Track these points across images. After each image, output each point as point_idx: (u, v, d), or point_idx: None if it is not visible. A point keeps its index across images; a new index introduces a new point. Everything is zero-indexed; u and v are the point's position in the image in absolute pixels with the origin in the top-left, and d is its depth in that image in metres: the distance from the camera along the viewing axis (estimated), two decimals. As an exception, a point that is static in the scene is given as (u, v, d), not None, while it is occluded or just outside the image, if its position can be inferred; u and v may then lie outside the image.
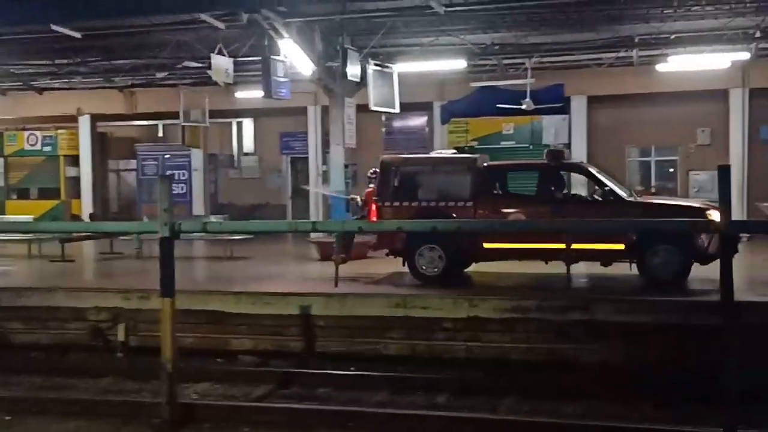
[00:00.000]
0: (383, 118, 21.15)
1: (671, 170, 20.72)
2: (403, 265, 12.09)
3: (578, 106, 20.18)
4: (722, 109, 19.26)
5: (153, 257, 6.86)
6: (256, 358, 10.19)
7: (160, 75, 20.67)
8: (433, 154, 14.47)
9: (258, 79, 16.36)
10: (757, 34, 15.47)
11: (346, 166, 16.40)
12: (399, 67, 17.05)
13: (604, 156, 20.11)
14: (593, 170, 12.16)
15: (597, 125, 20.30)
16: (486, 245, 11.39)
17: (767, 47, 16.47)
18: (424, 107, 21.32)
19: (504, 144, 20.46)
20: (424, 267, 11.78)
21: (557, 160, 12.18)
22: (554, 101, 19.42)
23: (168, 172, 21.86)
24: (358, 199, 14.70)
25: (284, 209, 23.78)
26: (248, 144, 25.32)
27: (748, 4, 14.15)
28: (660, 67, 17.45)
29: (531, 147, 20.34)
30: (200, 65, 18.23)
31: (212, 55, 15.81)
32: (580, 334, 9.53)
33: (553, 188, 11.96)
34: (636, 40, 16.49)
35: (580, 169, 12.75)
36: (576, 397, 8.04)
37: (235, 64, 16.17)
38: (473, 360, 9.63)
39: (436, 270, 11.73)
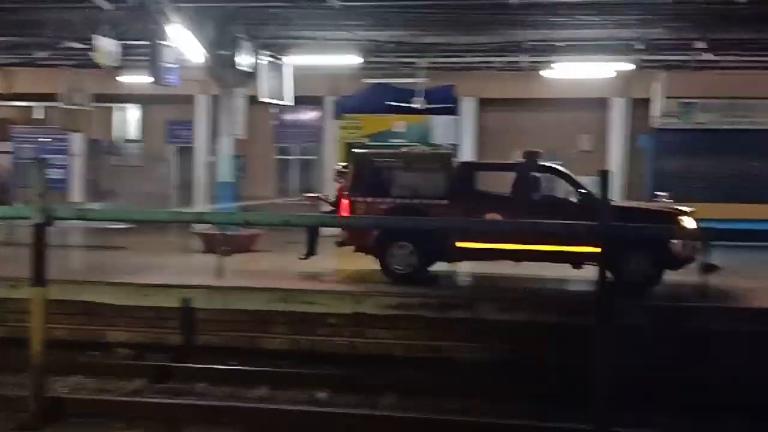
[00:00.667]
0: (275, 110, 20.90)
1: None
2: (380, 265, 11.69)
3: (469, 107, 20.48)
4: (603, 117, 19.94)
5: (26, 244, 6.53)
6: (132, 351, 9.86)
7: (41, 55, 19.74)
8: (408, 149, 14.01)
9: (146, 64, 15.84)
10: (640, 46, 16.06)
11: (235, 157, 16.09)
12: (292, 60, 16.84)
13: (492, 158, 20.49)
14: (569, 173, 12.05)
15: (486, 127, 20.65)
16: (459, 244, 11.25)
17: (648, 59, 17.10)
18: (317, 101, 21.17)
19: (394, 142, 20.58)
20: (395, 265, 11.56)
21: (533, 161, 12.04)
22: (445, 101, 19.62)
23: (45, 156, 20.90)
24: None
25: (169, 199, 23.15)
26: (133, 131, 24.52)
27: (632, 17, 14.66)
28: (545, 74, 17.89)
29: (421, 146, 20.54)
30: (84, 46, 17.46)
31: (96, 36, 15.18)
32: (463, 331, 9.66)
33: (528, 189, 11.73)
34: (526, 45, 16.85)
35: (556, 171, 12.28)
36: (456, 393, 8.13)
37: (122, 47, 15.59)
38: (356, 356, 9.61)
39: (408, 268, 11.53)
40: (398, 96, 19.42)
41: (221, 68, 15.56)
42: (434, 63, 18.31)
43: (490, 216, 10.88)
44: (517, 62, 17.91)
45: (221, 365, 9.07)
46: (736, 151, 19.05)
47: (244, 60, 15.27)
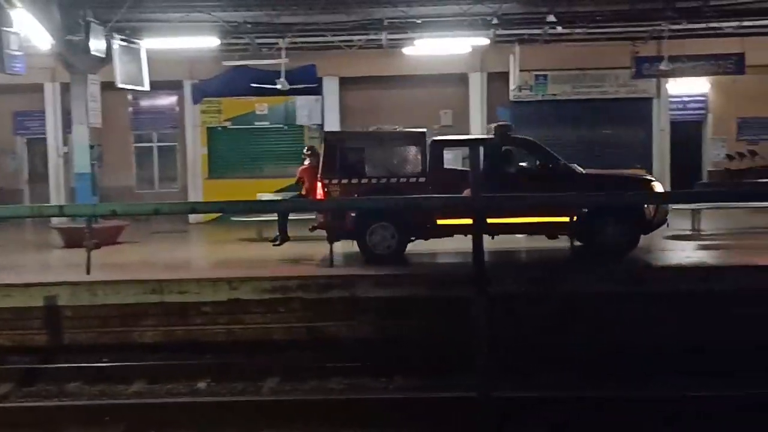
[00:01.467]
0: (130, 96, 20.16)
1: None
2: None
3: (331, 87, 20.43)
4: (463, 92, 20.37)
5: None
6: (-7, 355, 9.31)
7: None
8: (379, 129, 13.82)
9: (-12, 52, 14.89)
10: (494, 21, 16.45)
11: (91, 147, 15.40)
12: (147, 43, 16.26)
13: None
14: (542, 145, 12.18)
15: (349, 106, 20.69)
16: (440, 221, 11.27)
17: (503, 34, 17.55)
18: (175, 86, 20.56)
19: (258, 124, 20.31)
20: (374, 246, 11.53)
21: (505, 135, 12.13)
22: (308, 82, 19.52)
23: None
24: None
25: (21, 194, 21.98)
26: (-24, 123, 23.08)
27: (486, -8, 15.01)
28: (406, 51, 18.08)
29: (286, 127, 20.38)
30: None
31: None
32: (341, 310, 9.66)
33: (503, 163, 11.84)
34: (385, 23, 16.94)
35: (528, 143, 12.32)
36: (338, 373, 8.13)
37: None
38: (235, 343, 9.45)
39: (388, 248, 11.52)
40: (260, 78, 19.14)
41: (71, 54, 14.84)
42: (294, 43, 18.14)
43: (466, 192, 10.84)
44: (377, 40, 17.97)
45: (93, 363, 8.70)
46: (587, 121, 19.94)
47: (96, 45, 14.62)
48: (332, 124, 20.00)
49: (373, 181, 11.73)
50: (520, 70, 19.01)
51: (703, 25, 16.74)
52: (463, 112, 20.38)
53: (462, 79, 20.18)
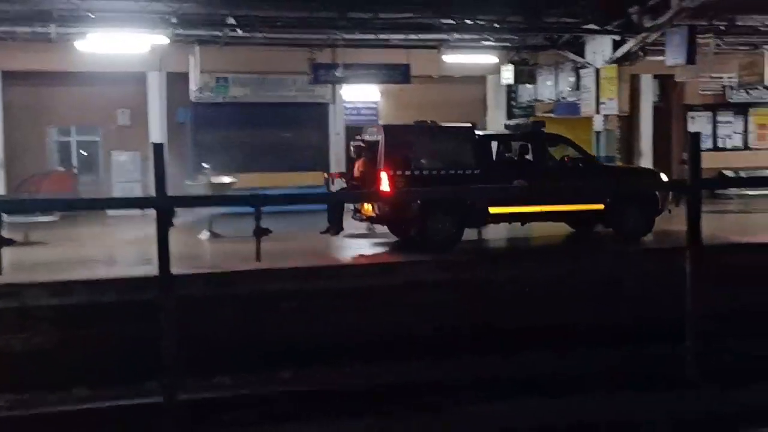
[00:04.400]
0: None
1: (90, 151, 20.41)
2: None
3: (-8, 81, 18.76)
4: (141, 91, 19.73)
5: None
6: None
7: None
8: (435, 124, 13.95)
9: None
10: (174, 20, 16.11)
11: None
12: None
13: (22, 136, 19.08)
14: (572, 140, 13.67)
15: (13, 103, 19.12)
16: (492, 210, 12.29)
17: (183, 34, 17.23)
18: None
19: None
20: (434, 234, 12.15)
21: (540, 131, 13.75)
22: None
23: None
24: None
25: None
26: None
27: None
28: (79, 46, 17.05)
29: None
30: None
31: None
32: (9, 322, 8.90)
33: (541, 156, 13.21)
34: (55, 15, 15.87)
35: (561, 138, 13.96)
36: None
37: None
38: None
39: (446, 237, 12.20)
40: None
41: None
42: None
43: (517, 182, 12.05)
44: (46, 33, 16.76)
45: None
46: (268, 124, 20.32)
47: None
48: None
49: (433, 172, 12.47)
50: (201, 71, 18.84)
51: (373, 36, 17.83)
52: (141, 112, 19.74)
53: (140, 78, 19.54)
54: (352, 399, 6.92)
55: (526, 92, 21.07)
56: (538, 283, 10.31)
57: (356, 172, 13.70)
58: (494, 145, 13.61)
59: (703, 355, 7.91)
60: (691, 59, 15.08)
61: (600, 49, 17.24)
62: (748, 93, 21.92)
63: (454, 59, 19.17)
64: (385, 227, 13.62)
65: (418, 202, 11.84)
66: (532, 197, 12.07)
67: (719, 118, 22.40)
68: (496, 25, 17.24)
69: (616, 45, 16.84)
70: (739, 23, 17.54)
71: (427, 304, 9.67)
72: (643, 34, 16.08)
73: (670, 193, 13.32)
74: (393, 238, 13.84)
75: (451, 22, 16.92)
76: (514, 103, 21.46)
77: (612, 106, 16.88)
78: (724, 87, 21.96)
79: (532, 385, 7.67)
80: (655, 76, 21.25)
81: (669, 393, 7.49)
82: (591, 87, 17.39)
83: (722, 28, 17.46)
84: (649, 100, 21.56)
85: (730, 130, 22.54)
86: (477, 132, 13.34)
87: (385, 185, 12.15)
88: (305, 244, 13.40)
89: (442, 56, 19.03)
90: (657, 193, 13.20)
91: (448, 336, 8.99)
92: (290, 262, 11.19)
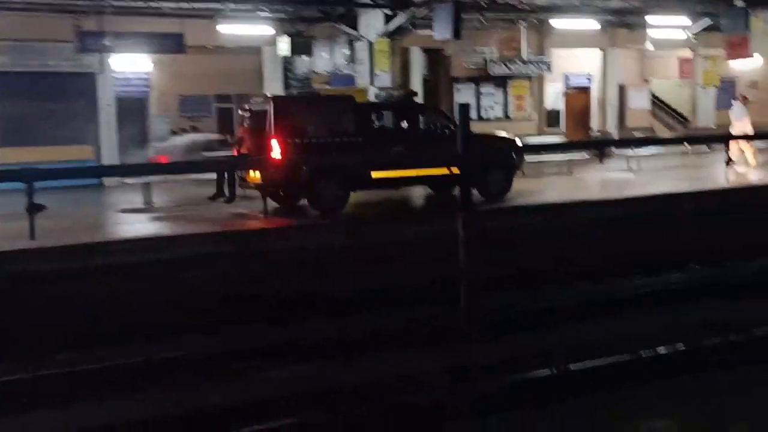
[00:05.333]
0: None
1: None
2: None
3: None
4: None
5: None
6: None
7: None
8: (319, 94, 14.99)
9: None
10: None
11: None
12: None
13: None
14: (442, 109, 15.10)
15: None
16: (374, 175, 12.63)
17: None
18: None
19: None
20: (324, 198, 12.61)
21: (412, 100, 14.59)
22: None
23: None
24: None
25: None
26: None
27: None
28: None
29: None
30: None
31: None
32: None
33: (414, 124, 13.79)
34: None
35: (432, 108, 15.52)
36: None
37: None
38: None
39: (333, 200, 12.66)
40: None
41: None
42: None
43: (395, 149, 12.74)
44: None
45: None
46: (29, 95, 18.97)
47: None
48: None
49: (320, 139, 12.74)
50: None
51: (144, 4, 17.18)
52: None
53: None
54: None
55: (302, 64, 21.21)
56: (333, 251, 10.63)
57: (245, 141, 13.76)
58: (373, 114, 14.24)
59: (476, 311, 8.57)
60: (457, 34, 15.90)
61: (373, 22, 17.75)
62: (507, 66, 23.40)
63: (230, 29, 18.93)
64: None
65: (305, 168, 12.58)
66: (415, 162, 13.12)
67: (482, 90, 23.80)
68: (271, -4, 17.24)
69: (388, 19, 17.41)
70: (499, 1, 18.72)
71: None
72: (413, 9, 16.73)
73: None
74: (173, 213, 13.59)
75: (226, -9, 16.71)
76: (290, 75, 21.53)
77: (386, 78, 17.47)
78: (486, 60, 23.29)
79: (318, 349, 7.98)
80: (425, 50, 22.16)
81: (446, 347, 8.05)
82: (365, 60, 17.88)
83: (484, 5, 18.55)
84: (419, 72, 22.44)
85: (492, 101, 24.05)
86: (362, 103, 14.31)
87: (276, 153, 12.46)
88: (78, 222, 12.78)
89: (217, 26, 18.72)
90: (514, 155, 14.52)
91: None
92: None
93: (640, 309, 9.65)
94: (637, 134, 23.06)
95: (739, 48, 22.05)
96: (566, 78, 25.62)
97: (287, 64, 21.28)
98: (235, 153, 14.08)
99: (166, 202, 14.81)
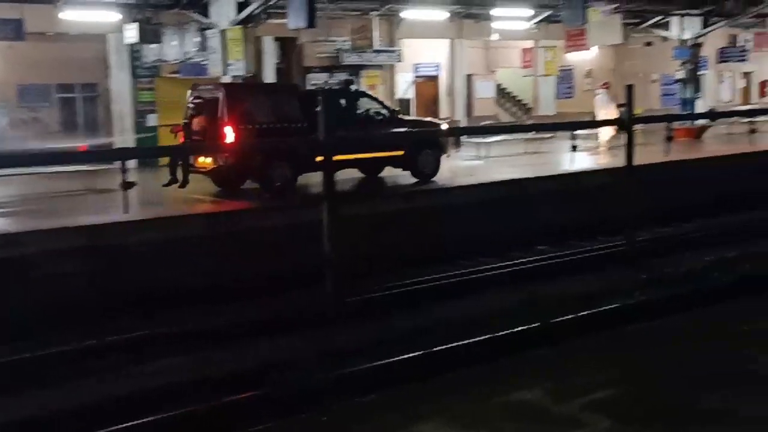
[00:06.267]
0: None
1: None
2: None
3: None
4: None
5: None
6: None
7: None
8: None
9: None
10: None
11: None
12: None
13: None
14: (375, 96, 15.79)
15: None
16: (318, 159, 12.48)
17: None
18: None
19: None
20: (274, 180, 13.28)
21: (350, 88, 15.57)
22: None
23: None
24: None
25: None
26: None
27: None
28: None
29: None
30: None
31: None
32: None
33: (353, 110, 14.51)
34: None
35: (365, 94, 15.91)
36: None
37: None
38: None
39: (284, 182, 13.34)
40: None
41: None
42: None
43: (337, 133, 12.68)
44: None
45: None
46: None
47: None
48: None
49: (270, 125, 13.22)
50: None
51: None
52: None
53: None
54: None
55: (150, 52, 20.54)
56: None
57: (195, 127, 13.78)
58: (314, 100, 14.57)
59: (344, 295, 8.71)
60: (311, 23, 15.91)
61: (224, 10, 17.44)
62: (359, 56, 23.64)
63: (73, 15, 18.12)
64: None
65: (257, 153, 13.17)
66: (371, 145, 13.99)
67: (334, 79, 23.93)
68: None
69: (240, 7, 17.17)
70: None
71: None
72: (266, -3, 16.59)
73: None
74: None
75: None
76: (138, 63, 20.85)
77: (239, 66, 17.23)
78: (338, 50, 23.44)
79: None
80: (276, 39, 22.04)
81: (316, 331, 8.17)
82: (217, 48, 17.54)
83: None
84: (271, 61, 22.30)
85: (347, 89, 24.21)
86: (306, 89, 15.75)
87: (230, 138, 12.89)
88: None
89: (58, 12, 17.88)
90: (442, 139, 15.54)
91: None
92: None
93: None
94: (483, 123, 23.87)
95: (576, 40, 23.29)
96: (416, 68, 26.21)
97: (134, 53, 20.60)
98: (182, 140, 13.93)
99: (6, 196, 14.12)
